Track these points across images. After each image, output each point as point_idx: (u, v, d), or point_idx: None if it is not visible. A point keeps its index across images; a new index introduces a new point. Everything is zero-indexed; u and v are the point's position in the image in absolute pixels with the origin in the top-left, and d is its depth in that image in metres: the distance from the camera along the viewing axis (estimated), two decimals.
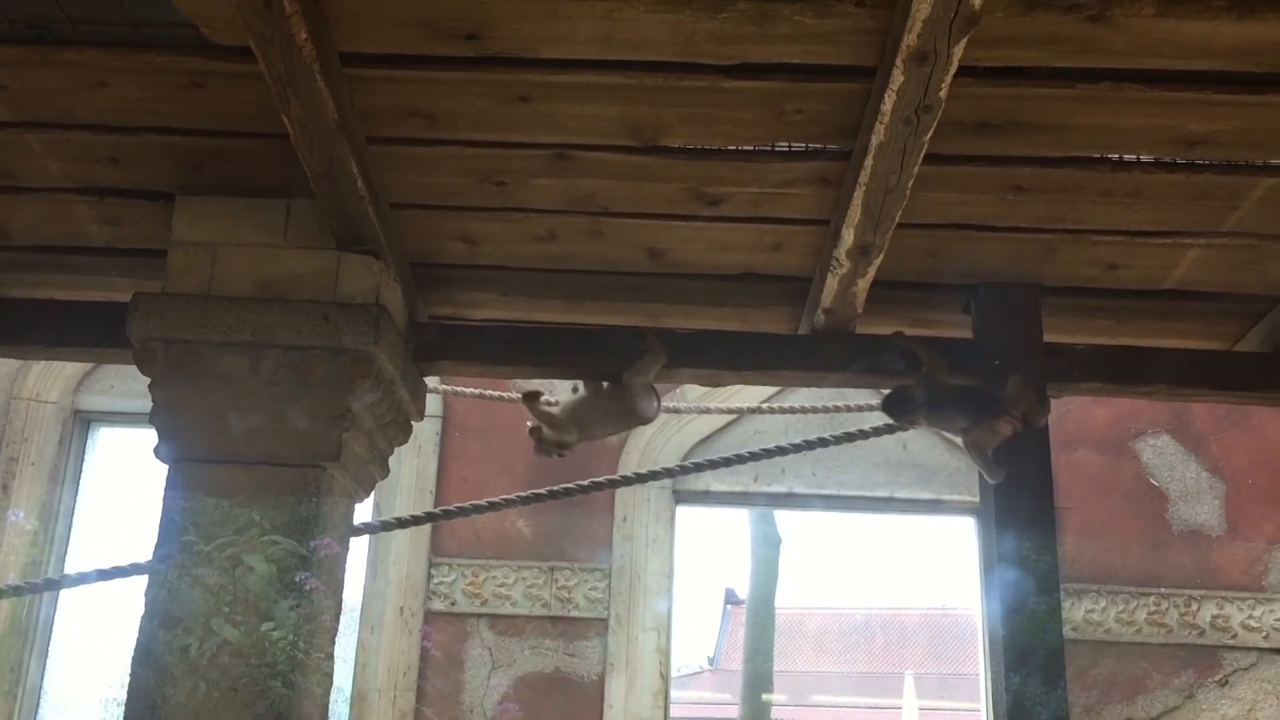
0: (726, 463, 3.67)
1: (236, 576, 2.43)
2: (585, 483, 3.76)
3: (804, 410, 5.32)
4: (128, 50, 2.18)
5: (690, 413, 5.61)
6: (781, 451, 3.81)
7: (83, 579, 3.60)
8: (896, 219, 2.41)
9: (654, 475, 3.84)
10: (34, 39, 2.17)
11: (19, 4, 2.09)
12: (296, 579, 2.44)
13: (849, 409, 5.32)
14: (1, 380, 6.05)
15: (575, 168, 2.46)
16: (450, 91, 2.25)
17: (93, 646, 6.08)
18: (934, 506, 5.96)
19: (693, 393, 5.98)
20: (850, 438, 3.47)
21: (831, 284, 2.64)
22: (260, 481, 2.49)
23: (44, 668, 5.84)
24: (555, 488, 3.72)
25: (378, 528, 3.84)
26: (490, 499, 3.80)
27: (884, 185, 2.29)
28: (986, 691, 5.73)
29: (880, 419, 2.93)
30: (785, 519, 13.57)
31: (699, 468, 3.81)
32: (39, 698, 5.80)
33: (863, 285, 2.64)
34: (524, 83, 2.22)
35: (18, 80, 2.24)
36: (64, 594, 5.91)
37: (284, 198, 2.60)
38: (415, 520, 3.97)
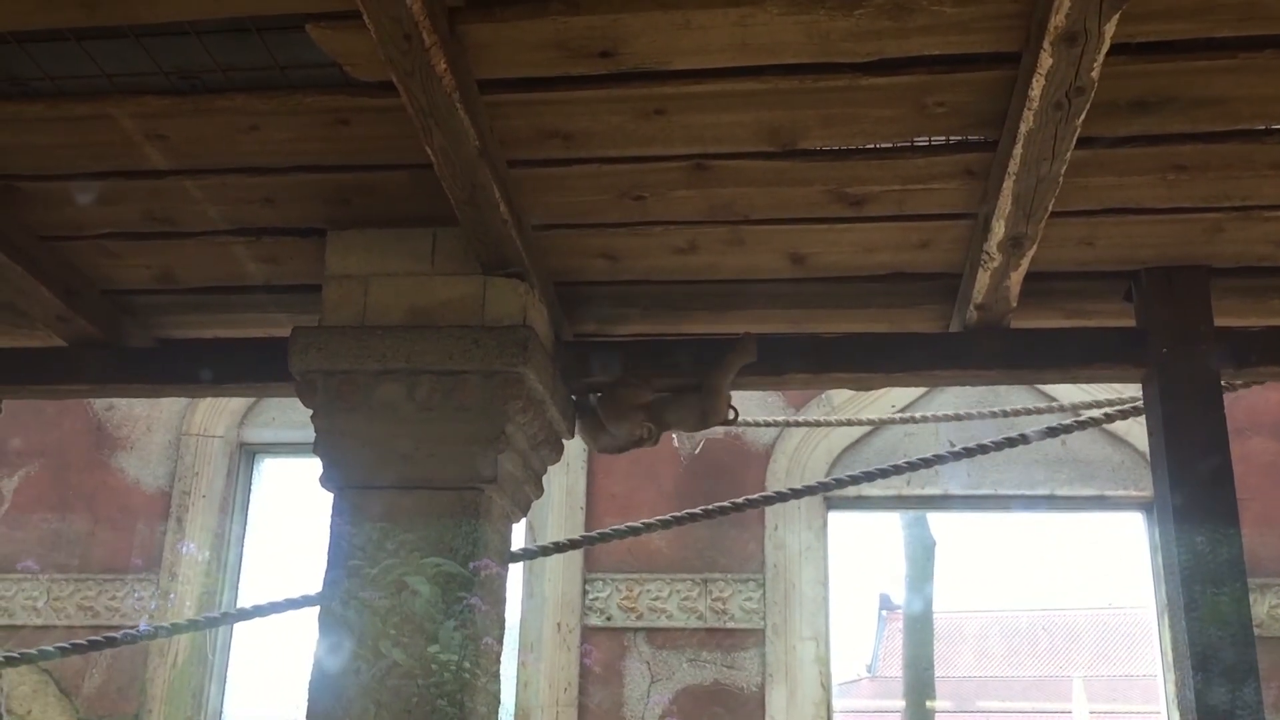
0: (884, 474, 3.59)
1: (401, 600, 2.48)
2: (740, 500, 3.73)
3: (956, 418, 5.21)
4: (276, 93, 2.25)
5: (832, 425, 5.52)
6: (940, 460, 3.72)
7: (258, 612, 3.72)
8: (1049, 208, 2.32)
9: (808, 491, 3.77)
10: (188, 89, 2.26)
11: (173, 56, 2.18)
12: (460, 600, 2.47)
13: (1004, 414, 5.20)
14: (171, 417, 6.34)
15: (713, 177, 2.45)
16: (586, 110, 2.26)
17: (270, 671, 6.31)
18: (1098, 503, 5.75)
19: (839, 395, 5.90)
20: (1011, 443, 3.35)
21: (983, 279, 2.56)
22: (421, 505, 2.53)
23: (224, 693, 6.08)
24: (709, 507, 3.70)
25: (536, 553, 3.86)
26: (644, 520, 3.79)
27: (1035, 174, 2.21)
28: (1167, 694, 5.48)
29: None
30: (940, 521, 13.30)
31: (854, 480, 3.74)
32: (220, 713, 6.04)
33: (1016, 278, 2.55)
34: (659, 96, 2.21)
35: (175, 130, 2.34)
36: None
37: (430, 226, 2.65)
38: (572, 544, 3.98)
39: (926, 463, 3.81)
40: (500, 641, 2.71)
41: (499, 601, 2.74)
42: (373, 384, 2.55)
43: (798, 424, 5.41)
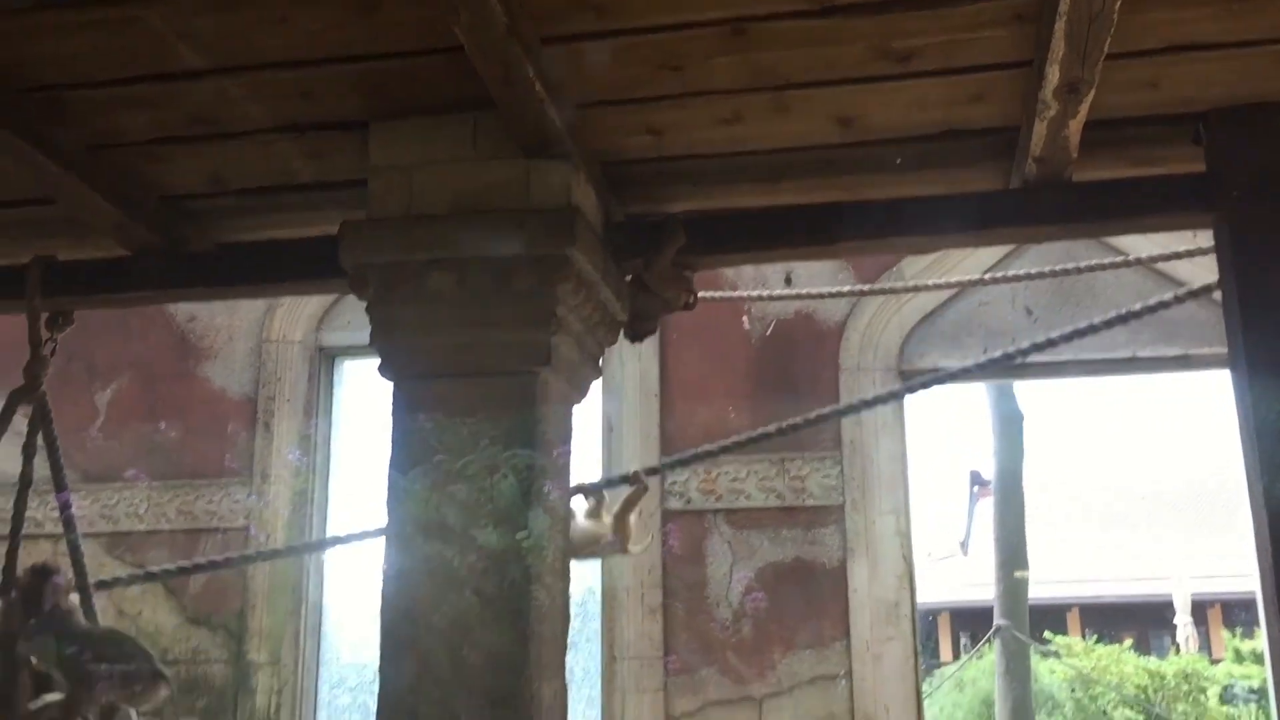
0: (967, 374, 3.53)
1: (472, 487, 2.51)
2: (811, 416, 3.73)
3: (1029, 277, 5.08)
4: None
5: (906, 291, 5.43)
6: (1036, 348, 3.65)
7: (347, 539, 3.79)
8: (1106, 49, 2.21)
9: (891, 396, 3.75)
10: None
11: None
12: (524, 485, 2.50)
13: (1078, 270, 5.06)
14: (250, 325, 6.48)
15: (752, 41, 2.37)
16: None
17: (363, 566, 6.52)
18: (1183, 363, 5.61)
19: (911, 268, 5.80)
20: (1123, 319, 3.27)
21: (1040, 130, 2.46)
22: (478, 392, 2.55)
23: (322, 587, 6.31)
24: (782, 424, 3.70)
25: (616, 483, 3.84)
26: (720, 443, 3.80)
27: (1087, 12, 2.10)
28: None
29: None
30: (1028, 394, 13.10)
31: (925, 384, 3.71)
32: (320, 614, 6.28)
33: (1075, 127, 2.45)
34: None
35: (205, 28, 2.33)
36: (332, 516, 6.35)
37: (469, 112, 2.62)
38: (652, 471, 4.00)
39: (1023, 352, 3.75)
40: (563, 533, 2.73)
41: (566, 484, 2.77)
42: (423, 273, 2.56)
43: (867, 293, 5.33)
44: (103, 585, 3.30)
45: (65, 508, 2.79)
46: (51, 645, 2.70)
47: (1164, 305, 3.39)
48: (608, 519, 3.42)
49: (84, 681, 2.64)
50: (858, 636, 5.55)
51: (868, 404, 3.56)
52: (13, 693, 2.63)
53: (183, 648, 6.13)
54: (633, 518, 3.46)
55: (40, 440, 2.88)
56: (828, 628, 5.63)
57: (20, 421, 2.92)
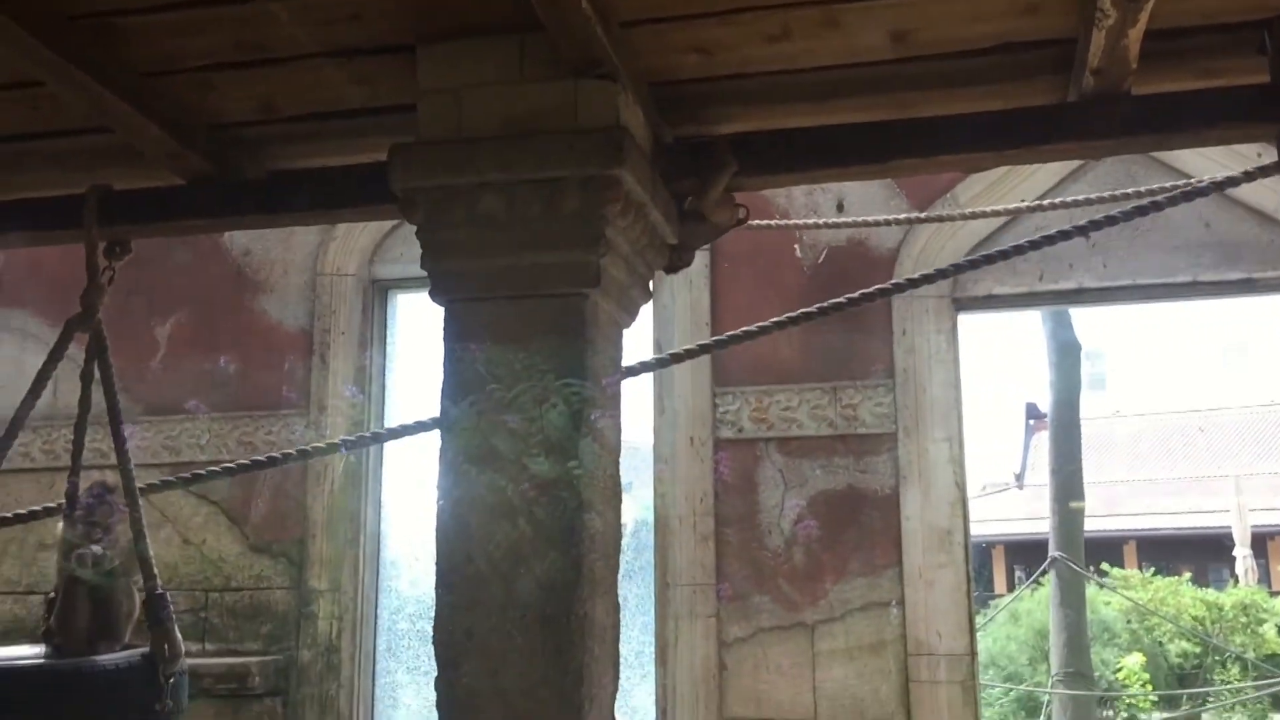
0: (1004, 255, 3.47)
1: (522, 413, 2.52)
2: (856, 294, 3.67)
3: (1088, 202, 4.99)
4: None
5: (957, 219, 5.35)
6: (1065, 236, 3.57)
7: (397, 433, 3.85)
8: None
9: (934, 277, 3.67)
10: None
11: None
12: (575, 410, 2.51)
13: (1138, 194, 4.95)
14: (305, 259, 6.55)
15: None
16: None
17: (420, 494, 6.62)
18: (1245, 287, 5.49)
19: (965, 193, 5.72)
20: (1142, 211, 3.19)
21: (1098, 40, 2.40)
22: (528, 316, 2.56)
23: (379, 515, 6.42)
24: (825, 304, 3.65)
25: (667, 362, 3.87)
26: (763, 323, 3.77)
27: None
28: None
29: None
30: (1084, 322, 12.94)
31: (974, 264, 3.63)
32: (379, 543, 6.40)
33: (1134, 36, 2.39)
34: None
35: None
36: (389, 449, 6.44)
37: (517, 33, 2.60)
38: (690, 354, 3.99)
39: (1049, 240, 3.66)
40: (615, 458, 2.74)
41: (617, 408, 2.78)
42: (472, 196, 2.56)
43: (922, 220, 5.27)
44: (152, 489, 3.38)
45: (120, 441, 2.86)
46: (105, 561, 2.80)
47: (1232, 183, 3.23)
48: None
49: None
50: (910, 563, 5.57)
51: (914, 283, 3.44)
52: (77, 605, 2.72)
53: (246, 575, 6.28)
54: None
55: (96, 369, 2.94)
56: (879, 555, 5.65)
57: (80, 354, 2.98)
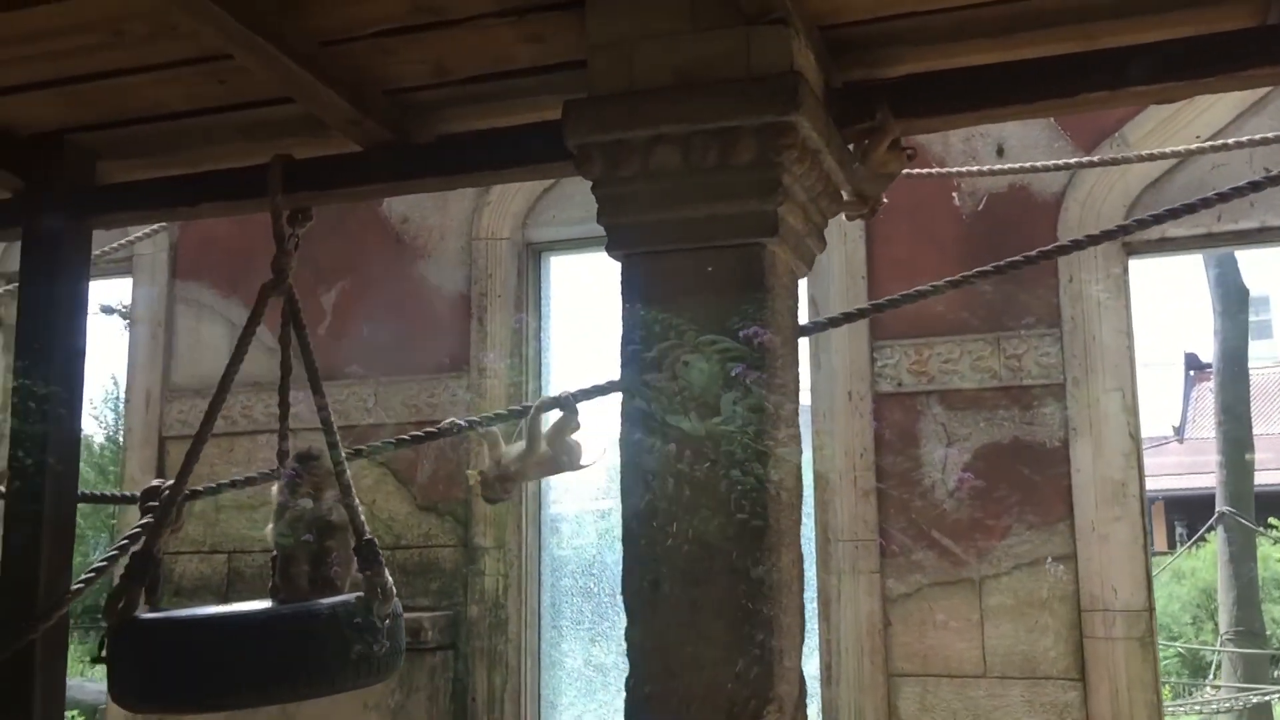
0: (1189, 209, 3.31)
1: (701, 364, 2.52)
2: (1032, 254, 3.56)
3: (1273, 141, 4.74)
4: None
5: (1131, 161, 5.12)
6: (1255, 187, 3.40)
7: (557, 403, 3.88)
8: None
9: (1105, 236, 3.52)
10: None
11: None
12: (755, 359, 2.49)
13: None
14: (460, 224, 6.67)
15: None
16: None
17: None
18: None
19: (1135, 132, 5.48)
20: None
21: None
22: (705, 268, 2.54)
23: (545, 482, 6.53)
24: (999, 264, 3.55)
25: (824, 325, 3.83)
26: (931, 283, 3.67)
27: None
28: None
29: None
30: (1255, 265, 12.32)
31: (1156, 220, 3.48)
32: (539, 503, 6.52)
33: None
34: None
35: None
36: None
37: None
38: (862, 313, 3.93)
39: (1238, 192, 3.49)
40: (795, 408, 2.71)
41: (788, 365, 2.74)
42: (647, 149, 2.55)
43: (1090, 164, 5.07)
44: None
45: (321, 399, 2.97)
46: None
47: None
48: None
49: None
50: (1082, 517, 5.41)
51: (1094, 240, 3.33)
52: (296, 561, 2.83)
53: (414, 533, 6.48)
54: (575, 438, 3.35)
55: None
56: (1049, 509, 5.50)
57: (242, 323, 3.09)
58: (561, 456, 3.18)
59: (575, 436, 3.26)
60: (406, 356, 6.66)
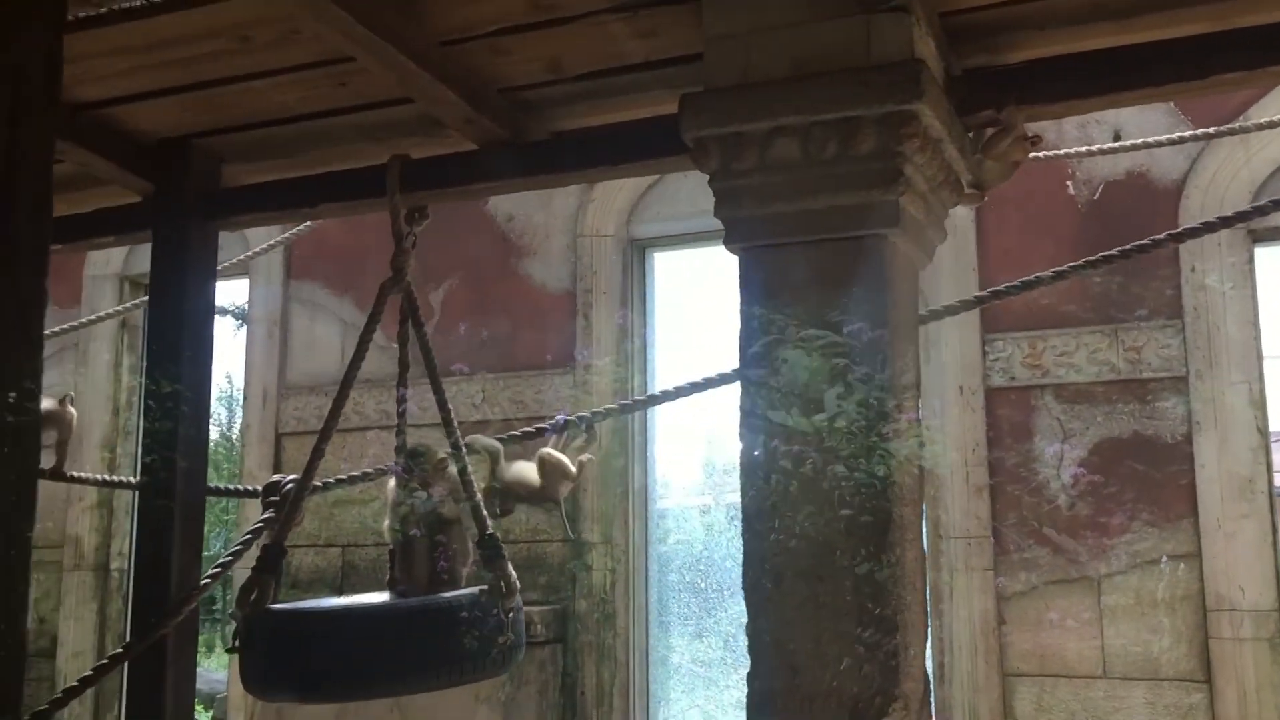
0: None
1: (822, 358, 2.49)
2: (1159, 237, 3.45)
3: None
4: None
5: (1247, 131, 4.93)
6: None
7: (666, 396, 3.89)
8: None
9: (1231, 220, 3.39)
10: None
11: None
12: (875, 353, 2.45)
13: None
14: (565, 221, 6.71)
15: None
16: None
17: (689, 452, 6.72)
18: None
19: (1259, 115, 5.28)
20: None
21: None
22: (825, 260, 2.51)
23: (647, 472, 6.55)
24: (1125, 248, 3.45)
25: (940, 314, 3.77)
26: (1048, 271, 3.59)
27: None
28: None
29: None
30: None
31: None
32: (645, 499, 6.53)
33: None
34: None
35: None
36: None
37: None
38: (979, 300, 3.86)
39: None
40: (916, 402, 2.66)
41: (909, 359, 2.69)
42: (765, 141, 2.53)
43: (1226, 133, 4.86)
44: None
45: (440, 394, 3.02)
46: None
47: None
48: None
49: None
50: (1207, 514, 5.23)
51: (1211, 227, 3.20)
52: (414, 555, 2.88)
53: (522, 528, 6.54)
54: (572, 458, 3.42)
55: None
56: (1172, 505, 5.34)
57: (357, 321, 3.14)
58: (558, 485, 3.26)
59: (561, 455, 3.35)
60: (513, 353, 6.73)
